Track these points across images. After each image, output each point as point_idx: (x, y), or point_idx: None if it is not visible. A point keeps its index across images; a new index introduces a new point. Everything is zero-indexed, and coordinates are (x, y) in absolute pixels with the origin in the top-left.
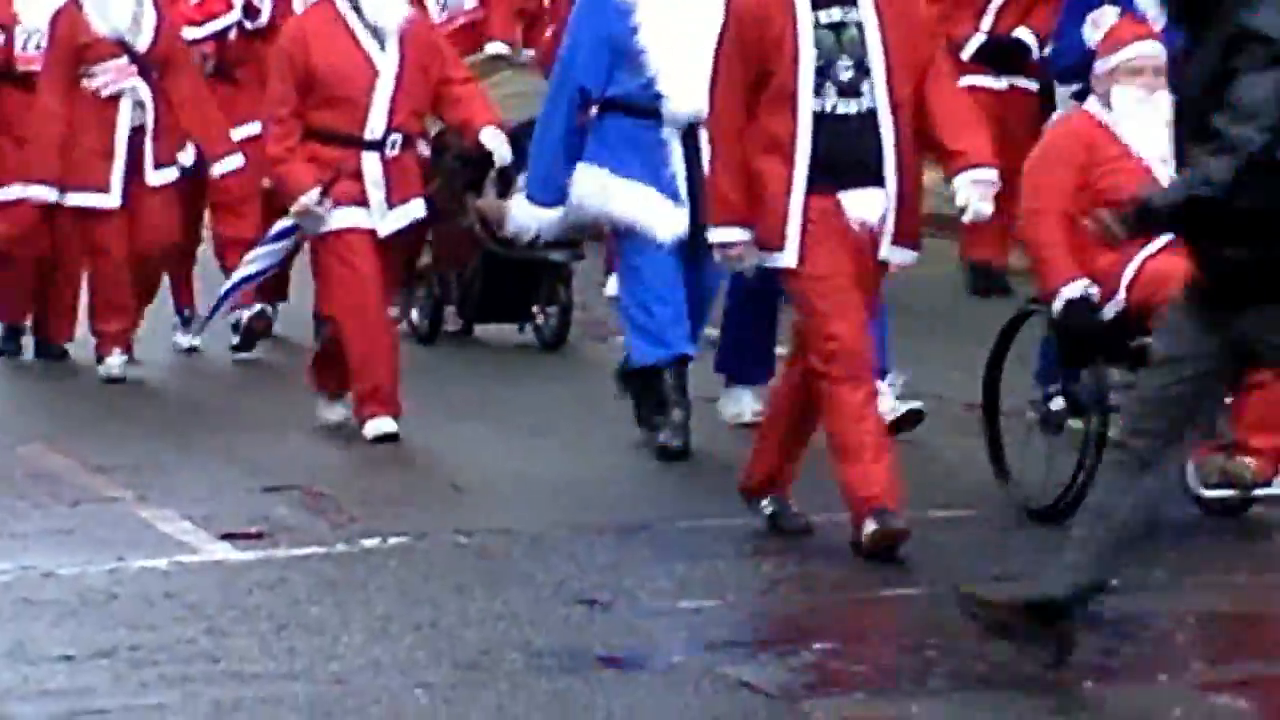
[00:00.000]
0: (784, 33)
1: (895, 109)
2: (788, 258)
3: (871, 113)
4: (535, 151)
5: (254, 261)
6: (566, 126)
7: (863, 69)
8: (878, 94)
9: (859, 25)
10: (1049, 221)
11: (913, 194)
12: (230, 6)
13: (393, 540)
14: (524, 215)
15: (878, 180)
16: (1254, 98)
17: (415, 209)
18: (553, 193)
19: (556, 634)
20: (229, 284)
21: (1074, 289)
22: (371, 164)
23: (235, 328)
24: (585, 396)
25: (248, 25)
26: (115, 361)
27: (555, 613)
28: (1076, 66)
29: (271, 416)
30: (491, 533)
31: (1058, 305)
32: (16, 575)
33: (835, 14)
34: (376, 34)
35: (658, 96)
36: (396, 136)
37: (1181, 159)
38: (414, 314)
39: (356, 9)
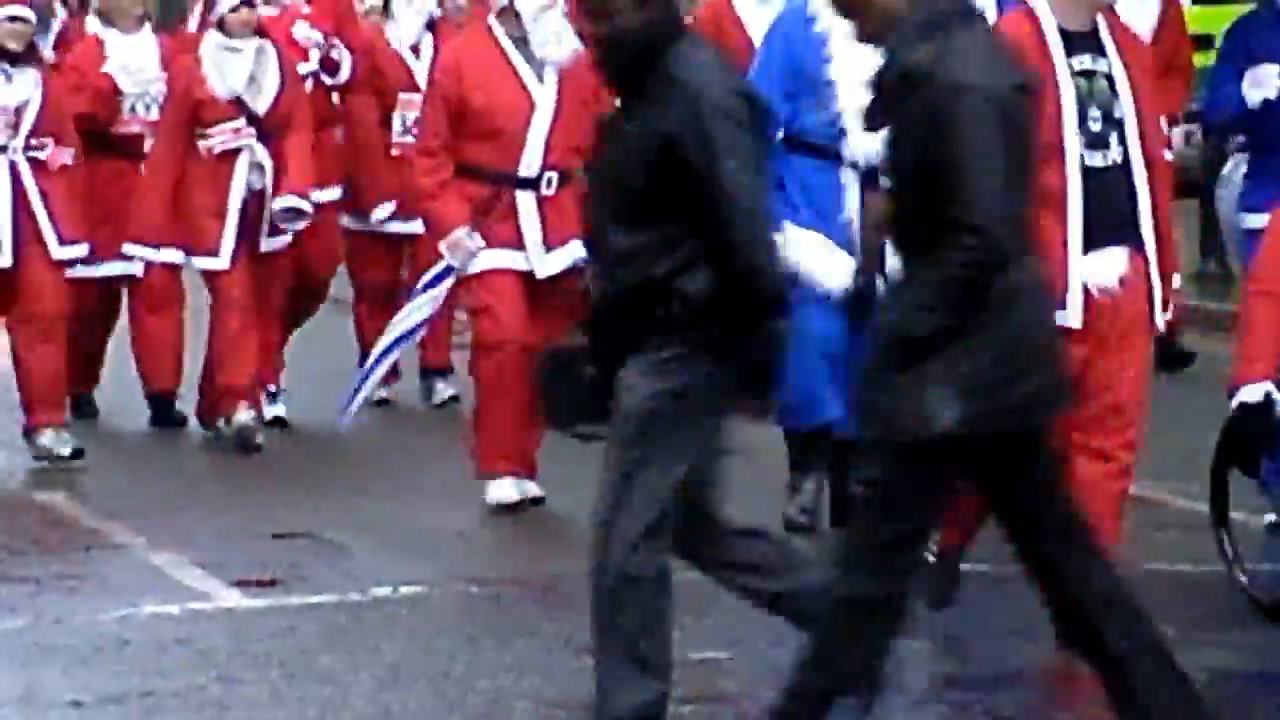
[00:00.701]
0: (1044, 79)
1: (1147, 164)
2: (1071, 318)
3: (1119, 166)
4: None
5: (404, 320)
6: None
7: (1110, 120)
8: (1130, 147)
9: (1108, 75)
10: (1265, 306)
11: (1169, 252)
12: (305, 57)
13: (404, 589)
14: None
15: (1132, 238)
16: None
17: (575, 250)
18: None
19: (567, 685)
20: (378, 351)
21: (1254, 392)
22: (526, 203)
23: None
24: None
25: (326, 80)
26: (244, 417)
27: (566, 664)
28: (1234, 121)
29: (283, 464)
30: (503, 582)
31: (1234, 404)
32: (28, 621)
33: (1086, 61)
34: (535, 66)
35: (840, 134)
36: (553, 174)
37: None
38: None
39: (516, 39)
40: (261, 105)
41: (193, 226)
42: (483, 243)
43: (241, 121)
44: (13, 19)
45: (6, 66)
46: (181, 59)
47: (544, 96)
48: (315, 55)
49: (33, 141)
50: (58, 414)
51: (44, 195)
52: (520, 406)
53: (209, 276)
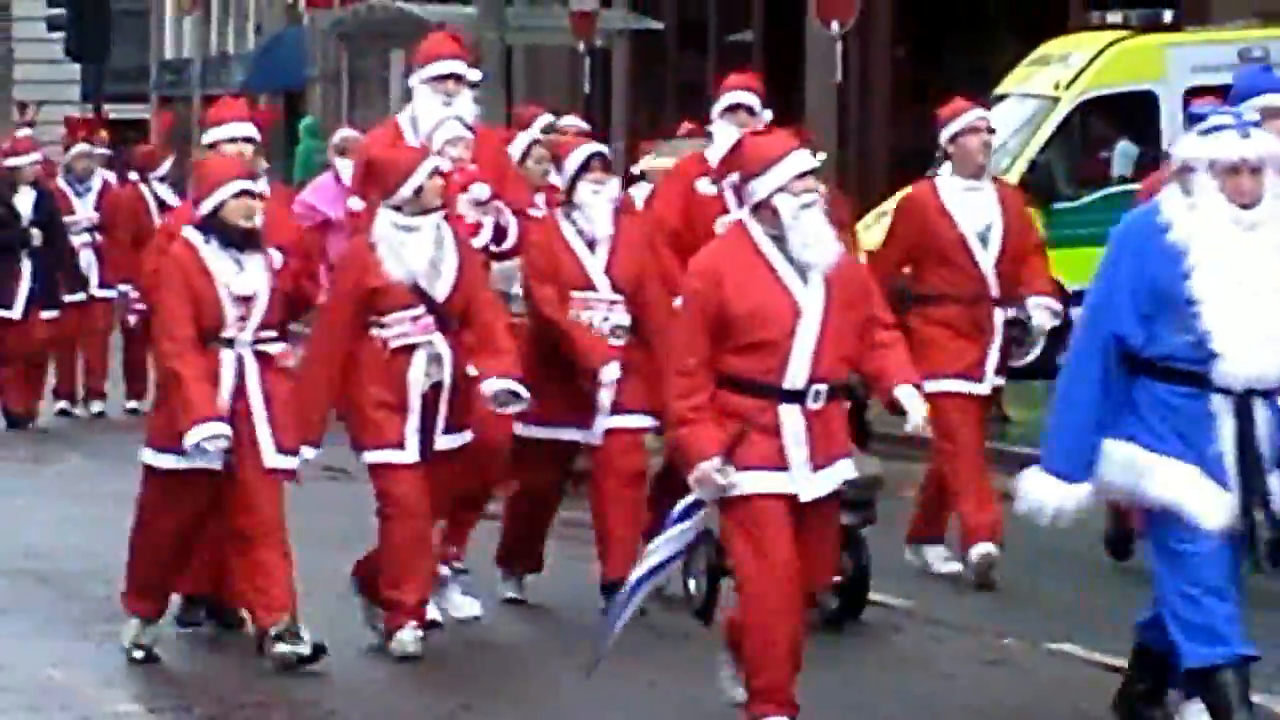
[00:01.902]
0: None
1: None
2: None
3: None
4: (1060, 413)
5: (656, 551)
6: (1101, 386)
7: None
8: None
9: None
10: None
11: None
12: (478, 230)
13: None
14: (1041, 491)
15: None
16: None
17: (844, 470)
18: (1080, 467)
19: None
20: (631, 583)
21: None
22: (791, 418)
23: None
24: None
25: (493, 248)
26: (409, 637)
27: None
28: None
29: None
30: None
31: None
32: None
33: None
34: (800, 269)
35: (1209, 358)
36: (821, 387)
37: None
38: (690, 582)
39: (775, 238)
40: (440, 291)
41: (366, 421)
42: (736, 479)
43: (421, 309)
44: (244, 195)
45: (237, 252)
46: (356, 240)
47: (811, 302)
48: (488, 228)
49: (261, 334)
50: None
51: (267, 397)
52: (794, 645)
53: (382, 478)
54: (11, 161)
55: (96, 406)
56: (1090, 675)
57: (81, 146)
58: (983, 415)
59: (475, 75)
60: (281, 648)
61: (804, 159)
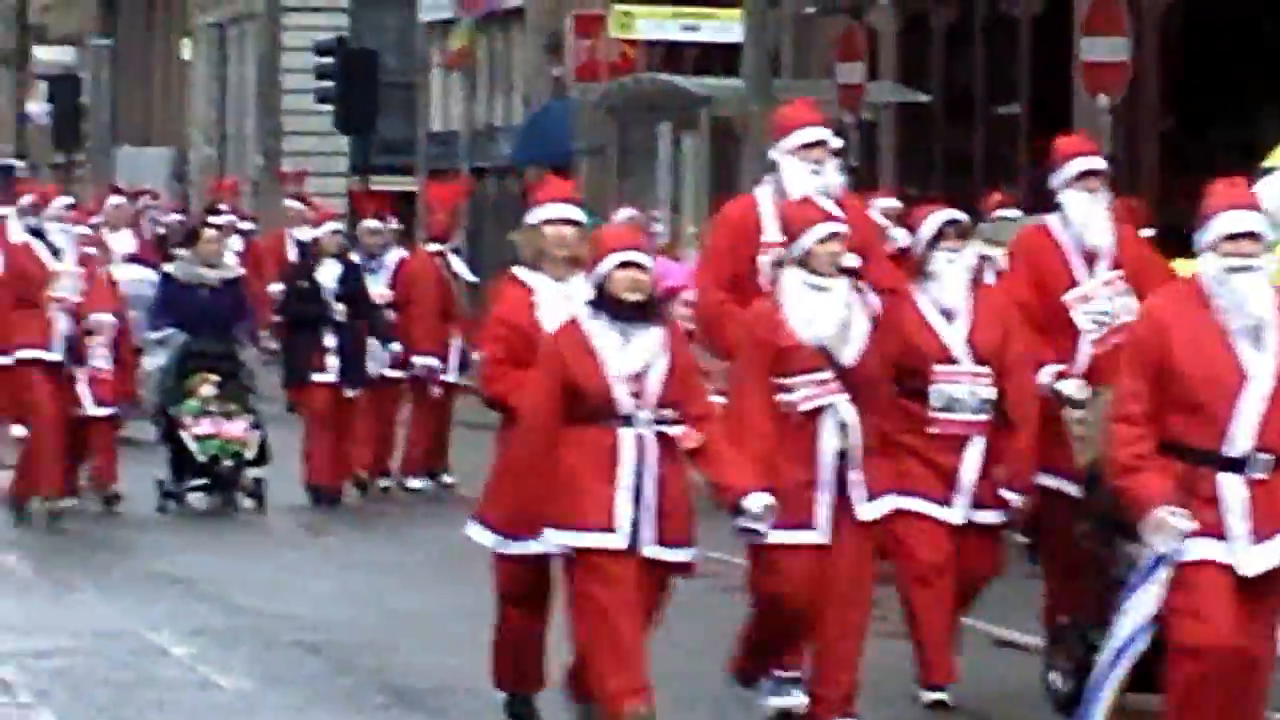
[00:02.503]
0: None
1: None
2: None
3: None
4: None
5: (1126, 616)
6: None
7: None
8: None
9: None
10: None
11: None
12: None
13: None
14: None
15: None
16: None
17: None
18: None
19: None
20: (1103, 661)
21: None
22: (1232, 487)
23: None
24: None
25: None
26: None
27: None
28: None
29: None
30: None
31: None
32: None
33: None
34: (1252, 332)
35: None
36: (1266, 455)
37: None
38: (1055, 677)
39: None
40: (848, 356)
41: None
42: (1193, 523)
43: (828, 373)
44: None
45: (625, 325)
46: (760, 302)
47: (1260, 367)
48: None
49: (661, 413)
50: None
51: (661, 481)
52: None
53: (800, 556)
54: (312, 233)
55: (384, 482)
56: None
57: (371, 222)
58: None
59: (838, 142)
60: None
61: (1237, 219)
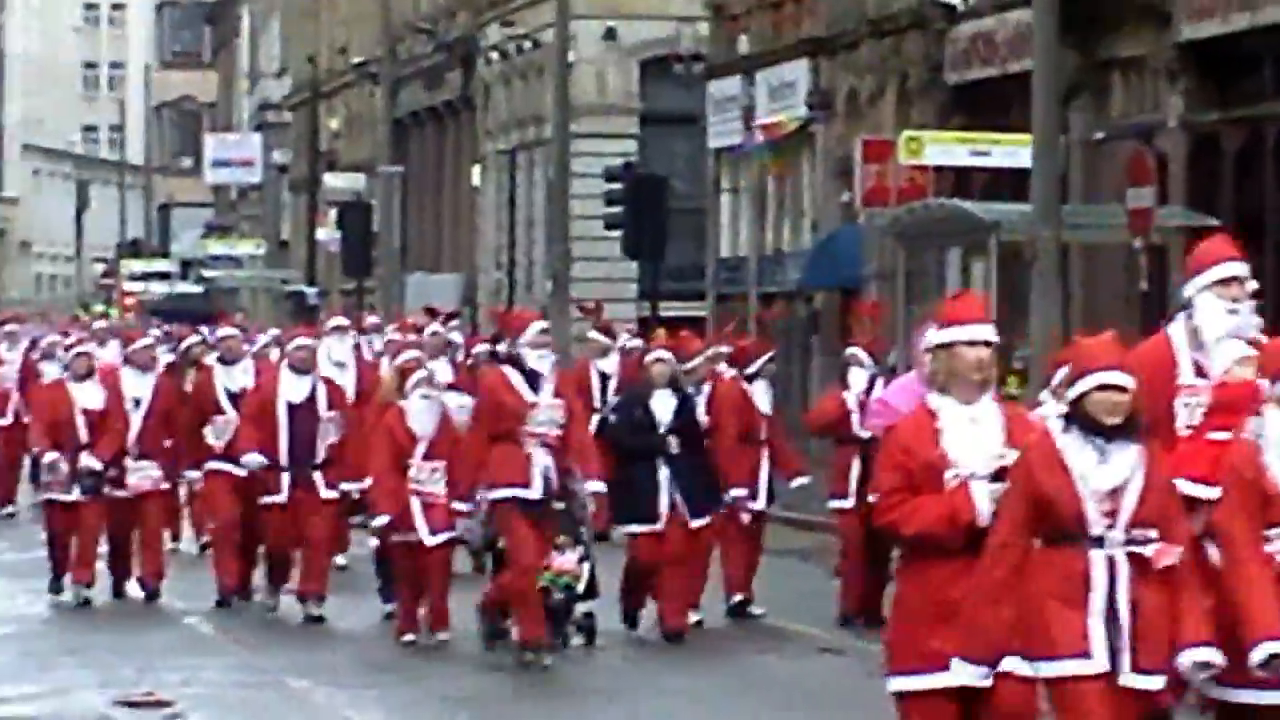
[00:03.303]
0: None
1: None
2: None
3: None
4: None
5: None
6: None
7: None
8: None
9: None
10: None
11: None
12: None
13: None
14: None
15: None
16: None
17: None
18: None
19: None
20: None
21: None
22: None
23: None
24: None
25: None
26: None
27: None
28: None
29: None
30: None
31: None
32: None
33: None
34: None
35: None
36: None
37: None
38: None
39: None
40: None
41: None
42: None
43: None
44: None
45: (1101, 442)
46: (1240, 443)
47: None
48: None
49: (1135, 533)
50: None
51: (1133, 607)
52: None
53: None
54: (646, 359)
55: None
56: None
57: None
58: None
59: (1254, 284)
60: None
61: None
